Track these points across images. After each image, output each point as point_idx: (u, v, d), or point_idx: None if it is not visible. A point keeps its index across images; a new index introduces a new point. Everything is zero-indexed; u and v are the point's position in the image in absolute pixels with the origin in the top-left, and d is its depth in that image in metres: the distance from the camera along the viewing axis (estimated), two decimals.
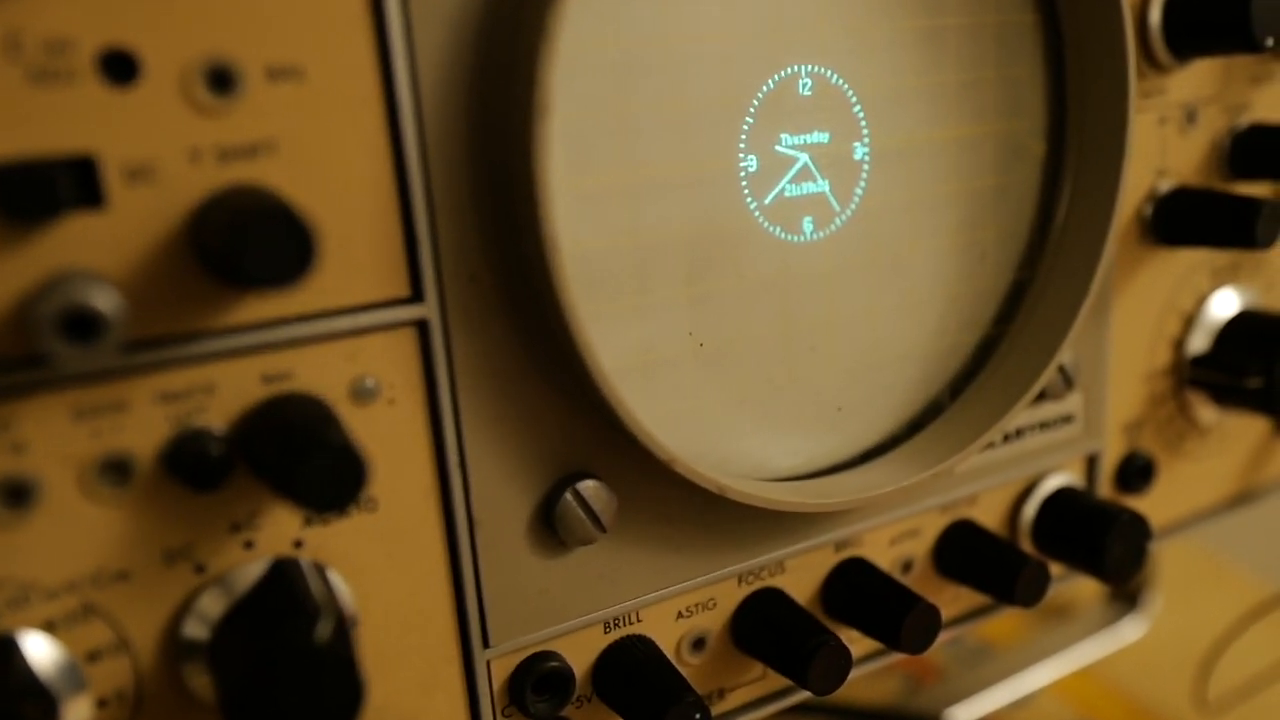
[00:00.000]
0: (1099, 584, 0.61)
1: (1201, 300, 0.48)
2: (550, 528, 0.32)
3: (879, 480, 0.37)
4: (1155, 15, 0.41)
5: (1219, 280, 0.48)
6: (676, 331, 0.34)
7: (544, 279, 0.28)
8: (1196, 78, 0.44)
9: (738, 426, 0.37)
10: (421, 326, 0.29)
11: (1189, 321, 0.48)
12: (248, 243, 0.23)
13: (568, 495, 0.32)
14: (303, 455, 0.24)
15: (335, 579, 0.29)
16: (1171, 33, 0.41)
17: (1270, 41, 0.39)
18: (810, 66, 0.35)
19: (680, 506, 0.35)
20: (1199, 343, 0.48)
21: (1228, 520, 0.55)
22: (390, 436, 0.30)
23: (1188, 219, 0.43)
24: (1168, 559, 0.68)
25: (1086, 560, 0.41)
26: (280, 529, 0.29)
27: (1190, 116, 0.44)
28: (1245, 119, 0.46)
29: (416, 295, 0.29)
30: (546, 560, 0.33)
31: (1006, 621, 0.68)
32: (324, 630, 0.25)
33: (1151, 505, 0.49)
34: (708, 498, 0.33)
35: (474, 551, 0.31)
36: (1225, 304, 0.48)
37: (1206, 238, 0.43)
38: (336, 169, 0.27)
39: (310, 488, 0.24)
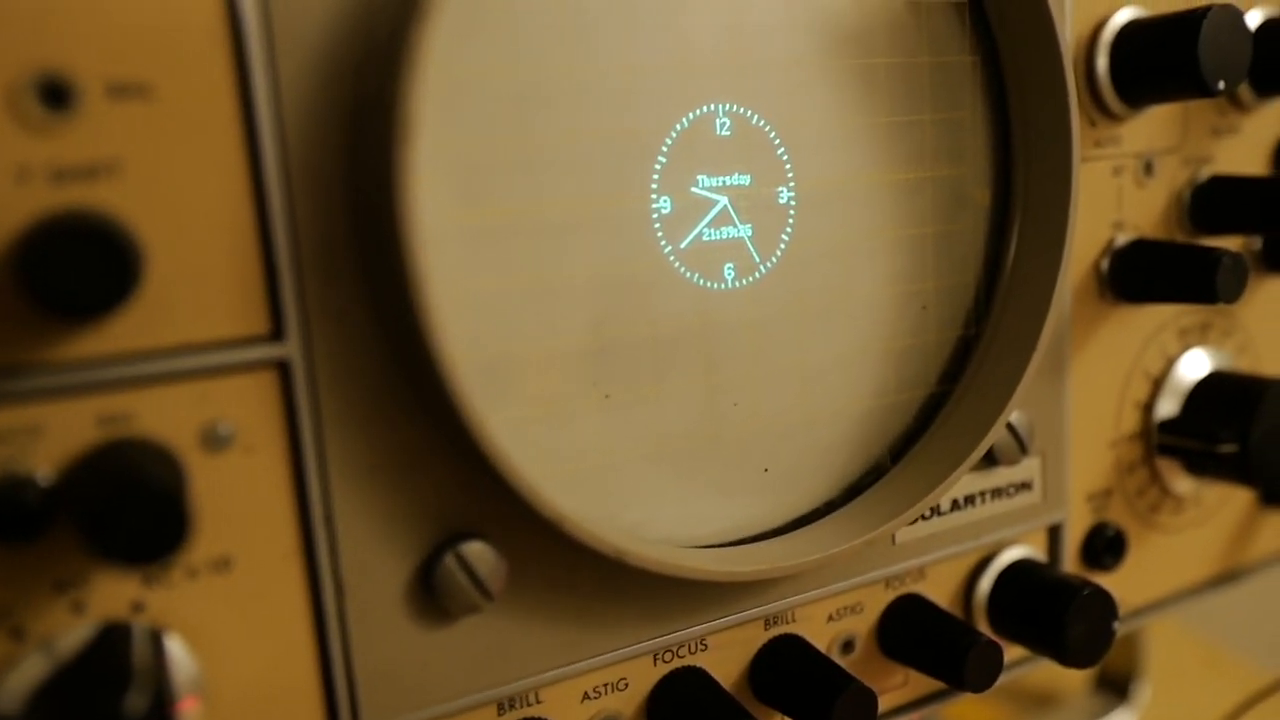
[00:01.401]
0: (1075, 670, 0.57)
1: (1170, 362, 0.45)
2: (431, 594, 0.29)
3: (805, 548, 0.34)
4: (1102, 61, 0.39)
5: (1188, 341, 0.46)
6: (580, 381, 0.32)
7: (413, 316, 0.26)
8: (1153, 127, 0.42)
9: (653, 487, 0.34)
10: (283, 367, 0.27)
11: (1157, 384, 0.45)
12: (49, 262, 0.21)
13: (449, 558, 0.29)
14: (109, 501, 0.22)
15: (176, 648, 0.26)
16: (1120, 78, 0.39)
17: (1221, 85, 0.37)
18: (728, 106, 0.33)
19: (582, 573, 0.31)
20: (1168, 407, 0.45)
21: (1218, 601, 0.51)
22: (247, 489, 0.27)
23: (1146, 273, 0.40)
24: (1157, 645, 0.64)
25: (1044, 641, 0.37)
26: (116, 589, 0.26)
27: (1148, 167, 0.42)
28: (1207, 172, 0.44)
29: (278, 333, 0.27)
30: (428, 631, 0.29)
31: (986, 712, 0.63)
32: (135, 705, 0.22)
33: (1124, 583, 0.45)
34: (612, 564, 0.30)
35: (343, 620, 0.28)
36: (1195, 366, 0.45)
37: (1166, 293, 0.40)
38: (187, 194, 0.25)
39: (115, 536, 0.22)
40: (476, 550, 0.29)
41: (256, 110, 0.26)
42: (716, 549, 0.34)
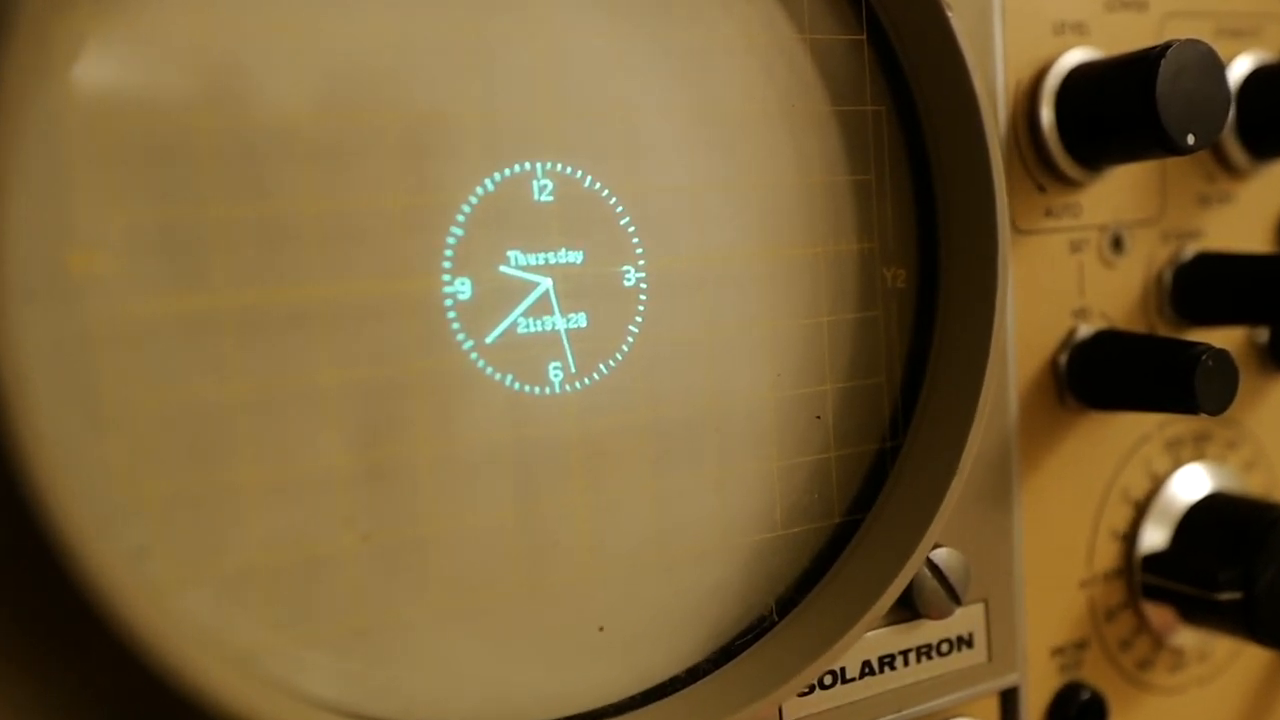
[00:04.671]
0: None
1: (1158, 482, 0.37)
2: None
3: None
4: (1047, 113, 0.32)
5: (1179, 456, 0.37)
6: (326, 519, 0.24)
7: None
8: (1121, 195, 0.35)
9: (448, 651, 0.26)
10: None
11: (1141, 510, 0.36)
12: None
13: None
14: None
15: None
16: (1070, 134, 0.32)
17: (1191, 139, 0.29)
18: (549, 164, 0.27)
19: None
20: (1156, 537, 0.36)
21: None
22: None
23: (1112, 373, 0.32)
24: None
25: None
26: None
27: (1116, 242, 0.35)
28: (1193, 249, 0.36)
29: None
30: None
31: None
32: None
33: None
34: None
35: None
36: (1191, 486, 0.37)
37: (1137, 399, 0.32)
38: None
39: None
40: None
41: None
42: None
